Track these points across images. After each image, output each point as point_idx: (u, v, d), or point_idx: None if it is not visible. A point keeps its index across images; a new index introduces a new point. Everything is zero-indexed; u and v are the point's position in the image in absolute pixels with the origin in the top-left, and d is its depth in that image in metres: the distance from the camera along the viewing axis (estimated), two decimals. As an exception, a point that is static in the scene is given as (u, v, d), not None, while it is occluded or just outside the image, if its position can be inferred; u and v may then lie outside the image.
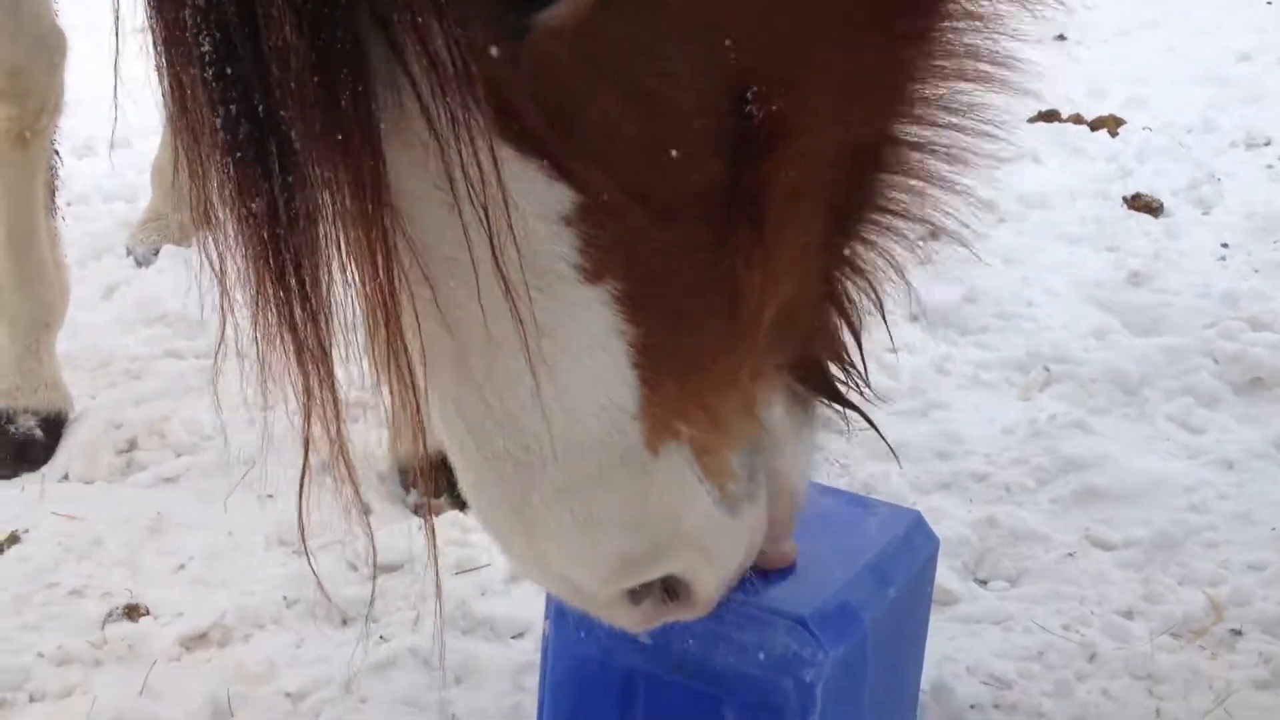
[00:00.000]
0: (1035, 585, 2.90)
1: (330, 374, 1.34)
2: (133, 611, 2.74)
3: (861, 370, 1.83)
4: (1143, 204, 5.13)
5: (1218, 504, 3.17)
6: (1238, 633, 2.72)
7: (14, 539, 2.95)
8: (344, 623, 2.78)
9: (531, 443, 1.43)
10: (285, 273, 1.25)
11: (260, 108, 1.18)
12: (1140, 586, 2.88)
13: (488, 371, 1.40)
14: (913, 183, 1.66)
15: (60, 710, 2.46)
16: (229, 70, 1.17)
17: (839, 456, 3.20)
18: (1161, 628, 2.73)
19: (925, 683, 2.47)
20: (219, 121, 1.19)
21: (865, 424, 1.96)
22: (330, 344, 1.32)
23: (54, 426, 3.40)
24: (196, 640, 2.68)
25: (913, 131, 1.62)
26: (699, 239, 1.43)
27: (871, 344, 1.83)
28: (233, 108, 1.18)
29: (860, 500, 2.36)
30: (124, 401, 3.60)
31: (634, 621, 1.69)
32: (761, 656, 1.95)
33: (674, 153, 1.35)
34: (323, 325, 1.30)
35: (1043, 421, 3.54)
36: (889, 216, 1.67)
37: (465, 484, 1.52)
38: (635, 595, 1.64)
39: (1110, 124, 6.35)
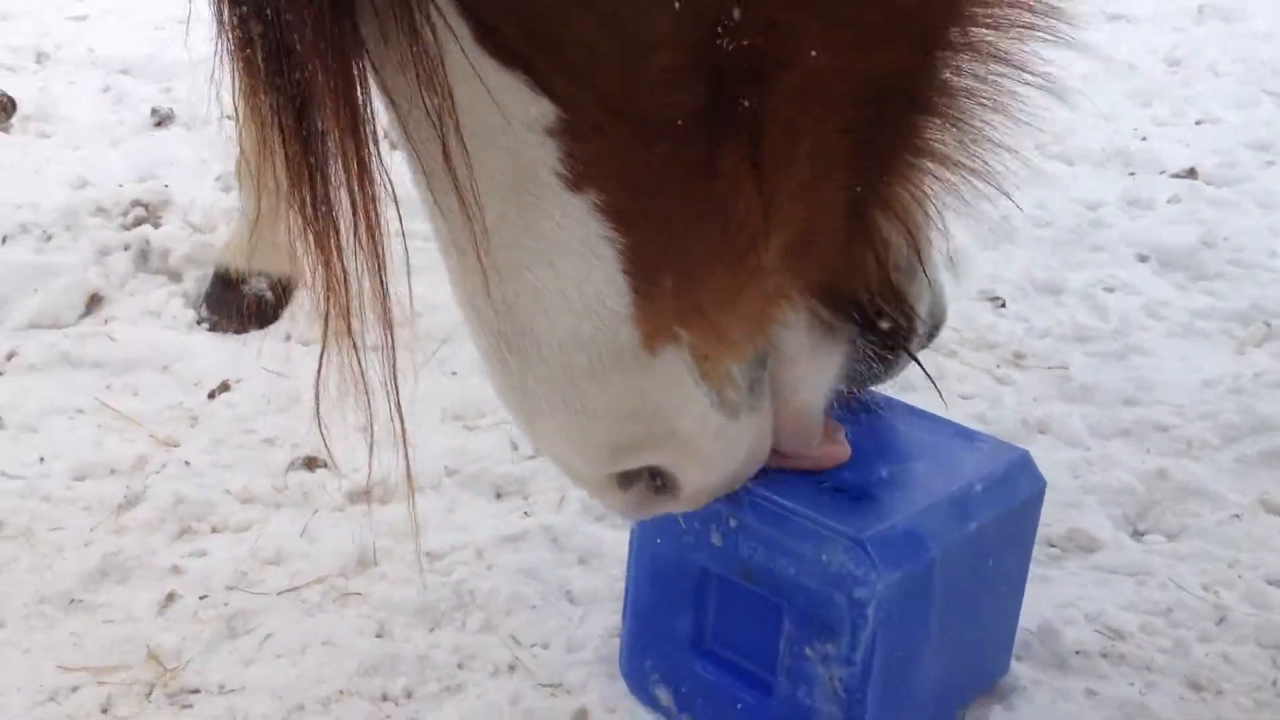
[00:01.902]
0: (1189, 543, 2.80)
1: (339, 254, 1.46)
2: (311, 462, 3.00)
3: (895, 307, 1.83)
4: None
5: None
6: (1394, 616, 2.57)
7: (225, 387, 3.26)
8: (498, 496, 2.97)
9: (528, 331, 1.54)
10: (299, 164, 1.39)
11: (268, 10, 1.31)
12: (1302, 557, 2.75)
13: (485, 261, 1.50)
14: (952, 128, 1.64)
15: (232, 542, 2.73)
16: None
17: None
18: (1311, 601, 2.60)
19: (1031, 623, 2.46)
20: (235, 19, 1.33)
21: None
22: (336, 229, 1.44)
23: (284, 290, 3.71)
24: (360, 495, 2.91)
25: (953, 76, 1.61)
26: (687, 159, 1.47)
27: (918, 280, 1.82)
28: (244, 7, 1.32)
29: (968, 433, 2.33)
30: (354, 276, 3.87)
31: (622, 506, 1.79)
32: (819, 571, 2.00)
33: (651, 75, 1.40)
34: (335, 211, 1.42)
35: (1248, 378, 3.37)
36: (926, 159, 1.66)
37: (480, 359, 1.64)
38: (624, 481, 1.73)
39: None
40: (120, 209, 4.15)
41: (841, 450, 2.07)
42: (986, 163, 1.69)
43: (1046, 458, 3.03)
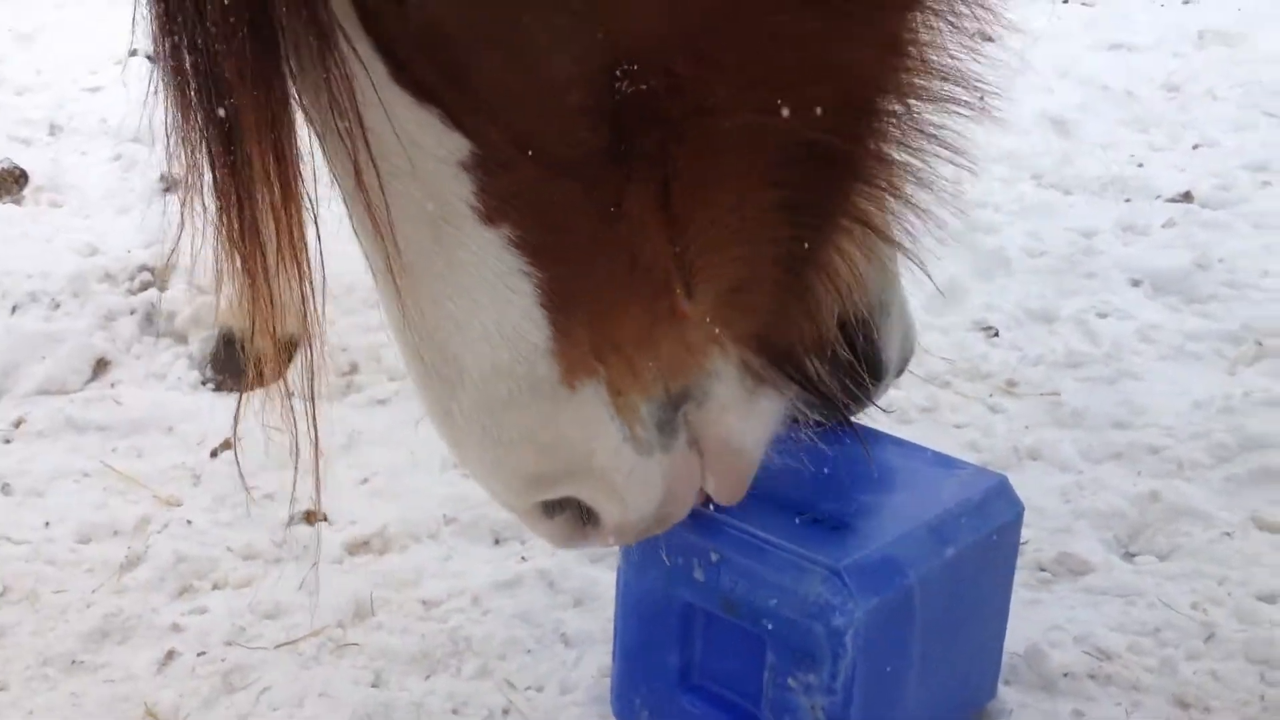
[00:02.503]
0: (1179, 563, 2.81)
1: (265, 275, 1.52)
2: (310, 516, 3.04)
3: (835, 362, 1.87)
4: None
5: (1403, 493, 2.97)
6: (1386, 628, 2.58)
7: (227, 445, 3.32)
8: (496, 542, 3.00)
9: (450, 361, 1.59)
10: (226, 189, 1.45)
11: (198, 40, 1.37)
12: (1293, 572, 2.76)
13: (408, 291, 1.55)
14: (880, 196, 1.69)
15: (232, 598, 2.78)
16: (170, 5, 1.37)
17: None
18: (1301, 616, 2.61)
19: (1019, 646, 2.48)
20: (169, 48, 1.40)
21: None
22: (263, 252, 1.50)
23: (287, 347, 3.76)
24: (359, 546, 2.96)
25: (882, 145, 1.66)
26: (596, 199, 1.52)
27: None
28: (176, 38, 1.38)
29: (946, 460, 2.36)
30: (356, 328, 3.93)
31: (551, 536, 1.83)
32: (798, 602, 2.03)
33: (558, 114, 1.45)
34: (261, 235, 1.47)
35: (1238, 398, 3.39)
36: (860, 225, 1.71)
37: (414, 386, 1.69)
38: (550, 510, 1.77)
39: None
40: (127, 274, 4.23)
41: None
42: (914, 232, 1.74)
43: (1038, 483, 3.06)
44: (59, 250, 4.41)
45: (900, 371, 2.30)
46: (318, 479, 1.71)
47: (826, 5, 1.52)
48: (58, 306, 4.03)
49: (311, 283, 1.52)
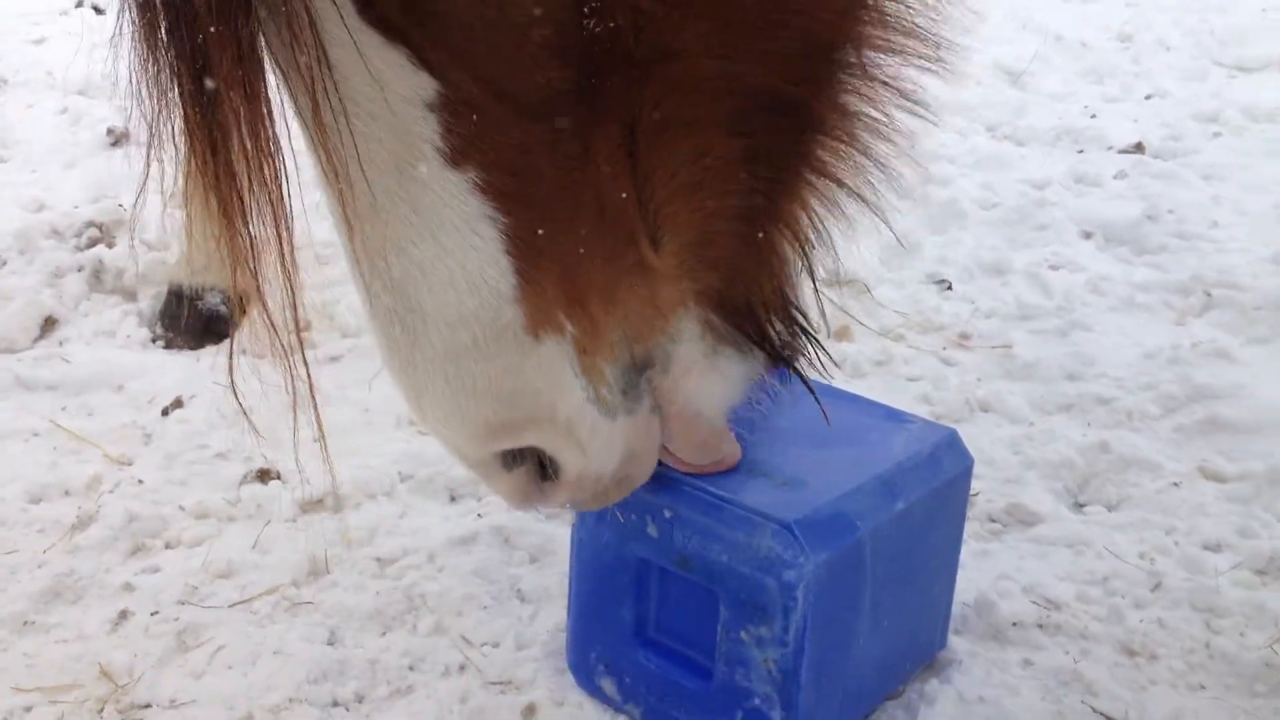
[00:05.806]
0: (1128, 513, 2.85)
1: (244, 218, 1.49)
2: (264, 475, 3.03)
3: (792, 319, 1.87)
4: (1375, 120, 4.78)
5: (1349, 442, 3.02)
6: (1328, 575, 2.62)
7: (178, 403, 3.29)
8: (452, 499, 3.00)
9: (414, 307, 1.57)
10: (197, 127, 1.42)
11: None
12: (1238, 520, 2.79)
13: (371, 235, 1.53)
14: (844, 149, 1.69)
15: (185, 558, 2.76)
16: None
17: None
18: (1246, 564, 2.65)
19: (969, 597, 2.51)
20: None
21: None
22: (240, 194, 1.47)
23: (239, 304, 3.73)
24: (313, 504, 2.94)
25: (844, 98, 1.65)
26: (563, 142, 1.50)
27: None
28: None
29: (897, 415, 2.38)
30: (306, 286, 3.90)
31: (508, 490, 1.82)
32: (750, 556, 2.05)
33: (524, 53, 1.44)
34: (237, 177, 1.45)
35: (1186, 348, 3.42)
36: (821, 179, 1.70)
37: (373, 335, 1.68)
38: (509, 462, 1.76)
39: (1374, 31, 5.89)
40: (74, 230, 4.17)
41: (733, 452, 2.11)
42: (875, 186, 1.74)
43: (989, 435, 3.09)
44: (4, 205, 4.35)
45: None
46: (295, 431, 1.69)
47: None
48: (4, 264, 3.97)
49: (288, 227, 1.50)
